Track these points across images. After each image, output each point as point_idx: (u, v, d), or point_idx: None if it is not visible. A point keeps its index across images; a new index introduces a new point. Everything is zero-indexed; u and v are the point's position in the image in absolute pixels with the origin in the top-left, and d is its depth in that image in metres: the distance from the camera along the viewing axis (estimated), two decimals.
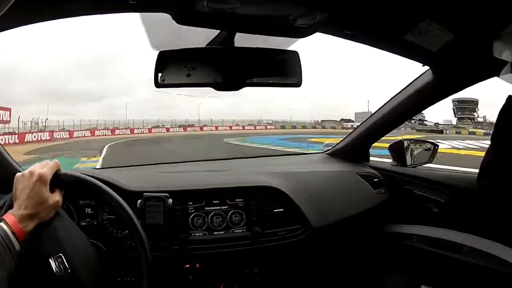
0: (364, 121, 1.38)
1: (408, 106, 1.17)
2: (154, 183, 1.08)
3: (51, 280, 0.71)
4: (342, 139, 1.48)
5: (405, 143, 1.28)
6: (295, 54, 0.79)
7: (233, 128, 42.85)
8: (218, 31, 0.77)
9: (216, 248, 1.00)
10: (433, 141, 1.33)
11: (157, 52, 0.74)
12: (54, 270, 0.71)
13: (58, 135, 26.26)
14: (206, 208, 1.04)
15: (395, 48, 1.00)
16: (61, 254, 0.72)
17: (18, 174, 0.74)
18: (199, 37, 0.77)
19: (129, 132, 32.51)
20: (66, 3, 0.72)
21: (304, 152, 1.69)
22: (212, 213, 1.03)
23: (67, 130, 29.52)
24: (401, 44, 0.96)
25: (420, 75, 1.11)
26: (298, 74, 0.78)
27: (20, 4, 0.69)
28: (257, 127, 45.44)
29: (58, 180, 0.77)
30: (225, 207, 1.05)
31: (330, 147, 1.54)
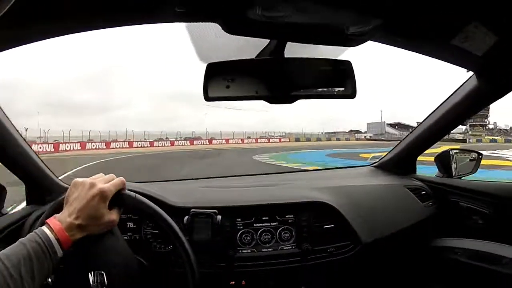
0: (410, 133, 1.34)
1: (453, 114, 1.12)
2: (201, 198, 1.05)
3: None
4: (388, 151, 1.44)
5: (451, 153, 1.23)
6: (348, 64, 0.74)
7: (245, 141, 39.44)
8: (267, 41, 0.73)
9: (264, 266, 0.97)
10: (477, 150, 1.28)
11: (204, 64, 0.70)
12: (91, 284, 0.68)
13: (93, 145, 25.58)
14: (255, 225, 1.00)
15: (442, 53, 0.96)
16: (103, 272, 0.69)
17: (78, 180, 0.69)
18: (248, 48, 0.73)
19: (128, 145, 28.99)
20: (108, 12, 0.68)
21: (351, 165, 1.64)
22: (261, 230, 1.00)
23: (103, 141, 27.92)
24: (448, 49, 0.92)
25: (465, 82, 1.06)
26: (352, 85, 0.74)
27: (55, 15, 0.67)
28: (271, 140, 42.57)
29: (120, 200, 0.72)
30: (275, 223, 1.01)
31: (377, 160, 1.50)
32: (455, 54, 0.96)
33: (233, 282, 0.98)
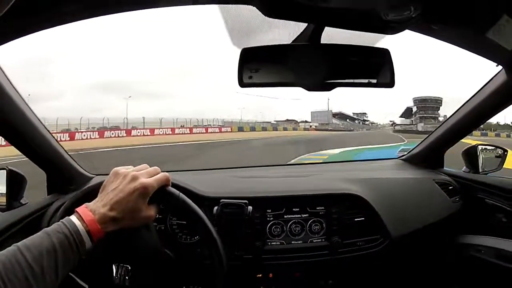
0: (439, 126, 1.31)
1: (482, 109, 1.09)
2: (231, 188, 1.03)
3: (107, 284, 0.66)
4: (417, 144, 1.41)
5: (478, 149, 1.20)
6: (386, 52, 0.71)
7: (176, 131, 29.17)
8: (303, 27, 0.70)
9: (292, 258, 0.94)
10: (504, 147, 1.25)
11: (239, 50, 0.67)
12: (114, 276, 0.66)
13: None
14: (285, 216, 0.98)
15: (475, 45, 0.93)
16: (129, 267, 0.67)
17: (120, 169, 0.65)
18: (283, 33, 0.69)
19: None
20: None
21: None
22: (291, 221, 0.97)
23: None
24: (481, 41, 0.90)
25: (494, 76, 1.04)
26: (391, 73, 0.71)
27: None
28: (209, 130, 33.28)
29: (162, 198, 0.67)
30: (305, 215, 0.99)
31: (405, 153, 1.47)
32: (487, 47, 0.94)
33: (260, 275, 0.96)
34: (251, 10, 0.65)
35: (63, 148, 1.04)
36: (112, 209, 0.58)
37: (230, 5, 0.65)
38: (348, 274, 1.04)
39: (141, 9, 0.68)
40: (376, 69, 0.71)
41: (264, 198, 0.98)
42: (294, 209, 0.98)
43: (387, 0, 0.68)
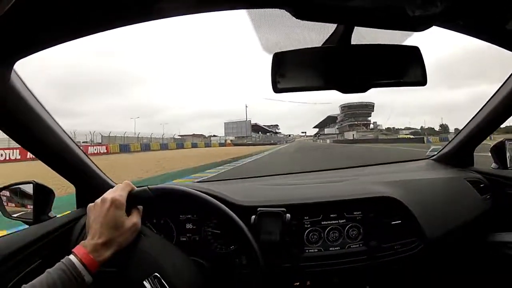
0: (467, 124, 1.30)
1: (508, 104, 1.08)
2: (266, 196, 1.01)
3: None
4: (447, 143, 1.41)
5: (506, 144, 1.19)
6: (416, 50, 0.71)
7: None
8: (333, 28, 0.69)
9: (330, 265, 0.93)
10: None
11: (266, 54, 0.66)
12: None
13: None
14: (323, 223, 0.97)
15: (501, 38, 0.92)
16: (156, 274, 0.66)
17: (90, 204, 0.72)
18: (313, 35, 0.69)
19: None
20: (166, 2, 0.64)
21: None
22: (329, 228, 0.96)
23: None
24: (506, 34, 0.88)
25: None
26: (422, 71, 0.70)
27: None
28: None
29: (134, 200, 0.72)
30: (343, 220, 0.98)
31: (436, 153, 1.46)
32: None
33: (298, 283, 0.95)
34: (281, 14, 0.65)
35: (92, 160, 1.04)
36: (99, 236, 0.65)
37: (260, 10, 0.65)
38: (384, 279, 1.03)
39: (178, 15, 0.67)
40: (408, 67, 0.70)
41: (301, 205, 0.97)
42: (331, 215, 0.97)
43: None
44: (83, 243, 0.66)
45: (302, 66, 0.66)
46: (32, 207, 0.98)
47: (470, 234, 1.13)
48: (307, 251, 0.94)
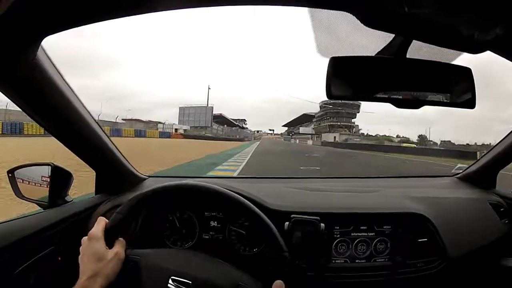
0: (495, 146, 1.31)
1: None
2: (299, 202, 0.99)
3: None
4: (473, 163, 1.41)
5: None
6: (468, 71, 0.69)
7: None
8: (389, 39, 0.66)
9: (354, 278, 0.92)
10: None
11: (323, 58, 0.63)
12: None
13: None
14: (352, 234, 0.95)
15: None
16: (184, 280, 0.66)
17: (80, 249, 0.72)
18: (368, 43, 0.66)
19: None
20: None
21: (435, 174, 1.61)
22: (357, 239, 0.95)
23: None
24: None
25: None
26: (472, 94, 0.69)
27: None
28: None
29: (111, 231, 0.71)
30: (372, 233, 0.96)
31: (461, 171, 1.46)
32: None
33: None
34: (344, 17, 0.62)
35: (117, 147, 0.98)
36: (85, 272, 0.66)
37: (324, 10, 0.61)
38: None
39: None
40: (458, 88, 0.69)
41: (334, 214, 0.95)
42: (361, 227, 0.96)
43: (477, 17, 0.66)
44: (76, 284, 0.67)
45: (358, 74, 0.63)
46: (48, 189, 0.93)
47: (487, 256, 1.14)
48: (334, 261, 0.93)
